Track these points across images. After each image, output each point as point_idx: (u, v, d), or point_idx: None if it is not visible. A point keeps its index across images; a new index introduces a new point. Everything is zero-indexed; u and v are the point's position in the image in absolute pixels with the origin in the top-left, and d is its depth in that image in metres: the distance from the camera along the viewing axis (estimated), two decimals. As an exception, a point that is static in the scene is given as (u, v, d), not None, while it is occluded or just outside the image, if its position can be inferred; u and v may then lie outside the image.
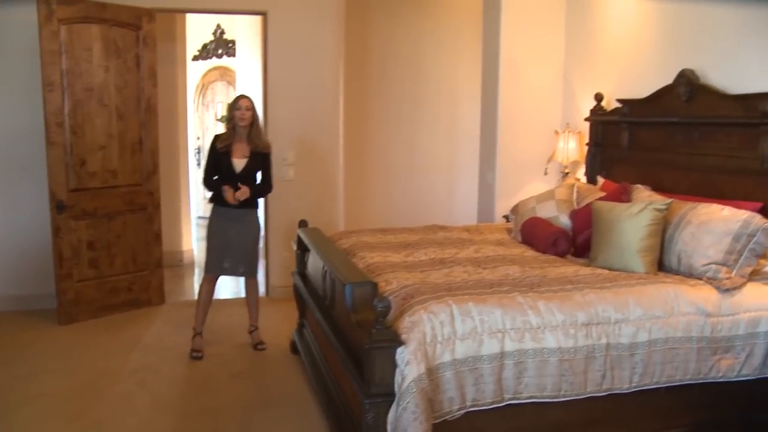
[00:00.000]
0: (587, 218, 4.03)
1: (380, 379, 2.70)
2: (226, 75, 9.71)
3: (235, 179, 4.54)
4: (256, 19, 6.40)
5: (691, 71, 4.17)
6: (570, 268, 3.63)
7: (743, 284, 3.33)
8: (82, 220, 5.25)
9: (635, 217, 3.61)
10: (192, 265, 7.25)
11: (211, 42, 9.70)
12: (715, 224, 3.45)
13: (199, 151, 9.57)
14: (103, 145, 5.34)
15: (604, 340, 3.02)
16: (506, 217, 5.35)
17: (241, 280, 5.12)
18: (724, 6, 4.06)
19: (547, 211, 4.47)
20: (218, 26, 9.53)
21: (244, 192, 4.50)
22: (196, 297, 4.93)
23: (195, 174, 8.38)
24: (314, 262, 4.02)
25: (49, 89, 5.00)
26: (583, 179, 5.38)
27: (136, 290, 5.63)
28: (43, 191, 5.15)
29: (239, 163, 4.56)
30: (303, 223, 4.59)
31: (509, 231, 4.75)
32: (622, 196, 4.18)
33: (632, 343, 3.07)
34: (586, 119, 5.32)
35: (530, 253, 4.07)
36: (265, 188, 4.79)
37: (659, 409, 3.22)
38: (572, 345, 2.97)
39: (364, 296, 2.91)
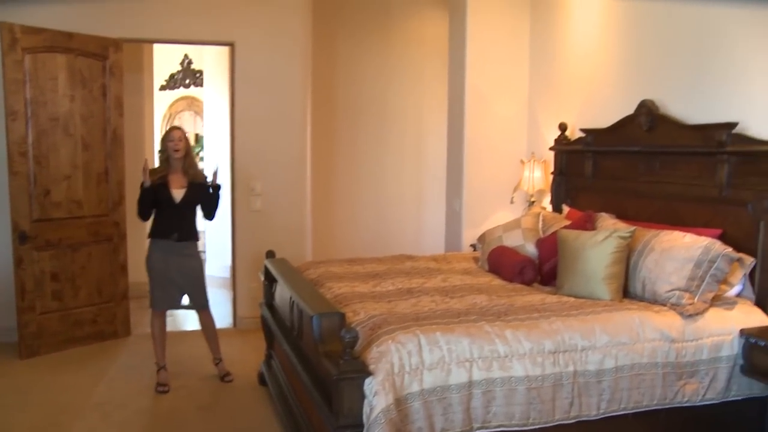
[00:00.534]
0: (553, 247, 4.08)
1: (348, 410, 2.68)
2: (194, 105, 9.68)
3: (175, 209, 4.52)
4: (224, 50, 6.43)
5: (652, 102, 4.27)
6: (537, 297, 3.66)
7: (705, 310, 3.38)
8: (46, 251, 5.16)
9: (600, 245, 3.66)
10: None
11: (179, 72, 9.68)
12: (677, 251, 3.51)
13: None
14: (68, 175, 5.28)
15: (571, 368, 3.04)
16: (473, 246, 5.39)
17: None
18: (682, 38, 4.18)
19: (513, 240, 4.51)
20: (186, 56, 9.52)
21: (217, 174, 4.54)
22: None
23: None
24: (282, 293, 4.00)
25: (12, 118, 4.95)
26: (549, 208, 5.44)
27: (101, 322, 5.54)
28: (5, 221, 5.07)
29: (178, 194, 4.53)
30: (270, 254, 4.57)
31: (476, 260, 4.78)
32: (586, 224, 4.23)
33: (599, 369, 3.09)
34: (551, 148, 5.41)
35: (497, 281, 4.10)
36: (210, 213, 4.69)
37: (627, 435, 3.24)
38: (540, 373, 2.99)
39: (331, 327, 2.90)
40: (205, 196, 4.63)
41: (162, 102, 9.57)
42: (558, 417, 3.03)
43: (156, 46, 7.46)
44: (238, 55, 5.87)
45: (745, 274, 3.58)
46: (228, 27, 5.82)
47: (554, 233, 4.22)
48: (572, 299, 3.58)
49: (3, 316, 5.25)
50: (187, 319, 6.14)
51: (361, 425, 2.67)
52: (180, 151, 4.53)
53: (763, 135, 3.53)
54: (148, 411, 4.24)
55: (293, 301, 3.53)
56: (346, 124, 7.28)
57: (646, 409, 3.20)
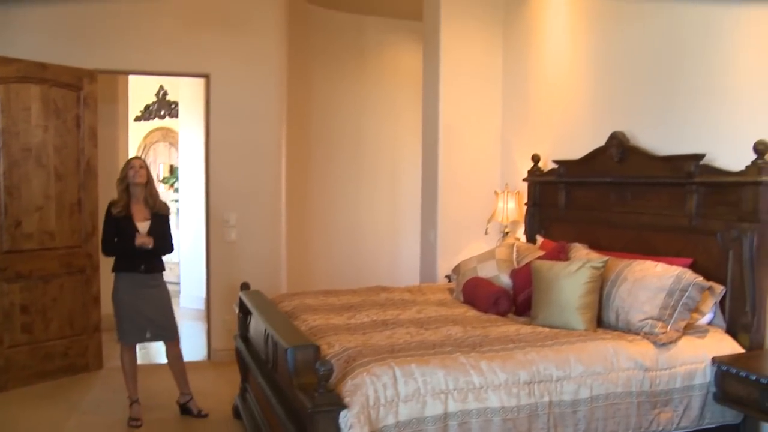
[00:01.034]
0: (527, 277, 4.10)
1: (324, 443, 2.66)
2: (169, 136, 9.66)
3: None
4: (200, 81, 6.45)
5: (622, 133, 4.35)
6: (511, 327, 3.67)
7: (678, 338, 3.41)
8: (16, 282, 5.09)
9: (573, 275, 3.69)
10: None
11: (154, 103, 9.68)
12: (649, 280, 3.55)
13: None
14: (40, 206, 5.22)
15: (546, 398, 3.05)
16: (448, 276, 5.40)
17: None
18: (651, 72, 4.28)
19: (488, 271, 4.53)
20: (161, 87, 9.53)
21: (149, 240, 4.43)
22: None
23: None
24: (256, 326, 3.97)
25: (-16, 149, 4.91)
26: (523, 238, 5.49)
27: (72, 355, 5.44)
28: (-26, 254, 4.99)
29: (143, 226, 4.49)
30: (245, 286, 4.55)
31: (451, 291, 4.78)
32: (560, 254, 4.27)
33: (574, 399, 3.10)
34: (525, 180, 5.46)
35: (472, 312, 4.11)
36: (166, 247, 4.62)
37: (603, 465, 3.24)
38: (515, 404, 2.99)
39: (306, 360, 2.89)
40: (164, 231, 4.59)
41: (137, 133, 9.54)
42: (534, 448, 3.03)
43: (131, 77, 7.46)
44: (213, 87, 5.89)
45: (715, 303, 3.63)
46: (203, 59, 5.84)
47: (528, 264, 4.24)
48: (547, 329, 3.59)
49: (-30, 351, 5.14)
50: (159, 352, 6.04)
51: (336, 459, 2.64)
52: (141, 177, 4.48)
53: (729, 166, 3.61)
54: (120, 447, 4.16)
55: (268, 334, 3.50)
56: (321, 155, 7.31)
57: (622, 438, 3.21)
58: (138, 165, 4.52)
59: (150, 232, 4.49)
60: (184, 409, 4.64)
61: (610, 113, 4.63)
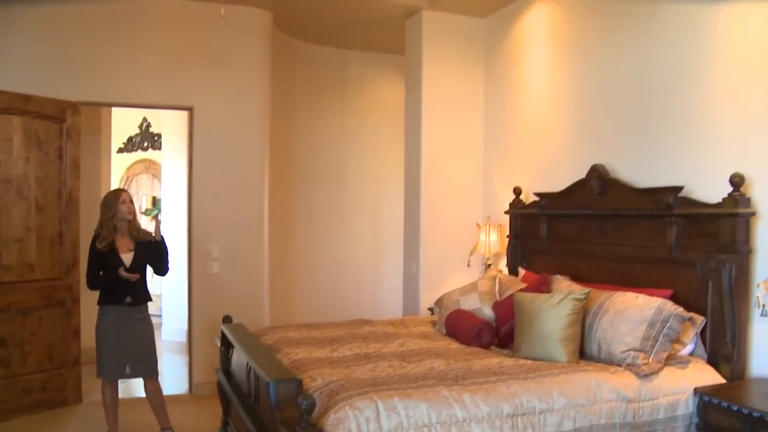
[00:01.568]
0: (510, 309, 4.11)
1: (306, 478, 2.63)
2: (151, 168, 9.65)
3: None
4: (183, 113, 6.47)
5: (602, 166, 4.41)
6: (494, 360, 3.66)
7: (660, 369, 3.43)
8: (-7, 316, 5.02)
9: (556, 307, 3.71)
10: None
11: (137, 135, 9.68)
12: (630, 312, 3.58)
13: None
14: (20, 238, 5.18)
15: (529, 431, 3.04)
16: (431, 309, 5.40)
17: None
18: (629, 106, 4.35)
19: (470, 303, 4.54)
20: (144, 119, 9.54)
21: (132, 276, 4.41)
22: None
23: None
24: (238, 359, 3.93)
25: (-37, 181, 4.87)
26: (505, 270, 5.51)
27: (50, 389, 5.35)
28: (-49, 287, 4.93)
29: (128, 258, 4.48)
30: (227, 319, 4.51)
31: (434, 324, 4.78)
32: (542, 286, 4.29)
33: (557, 432, 3.10)
34: (506, 212, 5.50)
35: (455, 345, 4.10)
36: (161, 269, 4.64)
37: (586, 498, 3.22)
38: (498, 437, 2.98)
39: (288, 393, 2.86)
40: (155, 253, 4.59)
41: (119, 164, 9.54)
42: (517, 482, 3.01)
43: (115, 109, 7.46)
44: (196, 120, 5.91)
45: (696, 333, 3.67)
46: (187, 91, 5.86)
47: (511, 296, 4.25)
48: (529, 362, 3.59)
49: (-55, 386, 5.05)
50: (140, 386, 5.96)
51: (318, 494, 2.61)
52: (132, 212, 4.51)
53: (707, 198, 3.67)
54: (98, 484, 4.09)
55: (250, 367, 3.47)
56: (304, 187, 7.32)
57: (605, 470, 3.20)
58: (129, 200, 4.53)
59: (135, 262, 4.47)
60: None
61: (590, 146, 4.70)
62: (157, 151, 9.31)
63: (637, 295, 3.70)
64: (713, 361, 3.59)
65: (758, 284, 3.44)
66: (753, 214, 3.49)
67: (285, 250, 7.05)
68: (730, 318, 3.50)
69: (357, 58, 7.51)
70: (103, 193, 6.96)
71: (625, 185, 4.24)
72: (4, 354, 5.08)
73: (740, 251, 3.48)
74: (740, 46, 3.63)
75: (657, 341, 3.48)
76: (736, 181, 3.45)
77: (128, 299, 4.44)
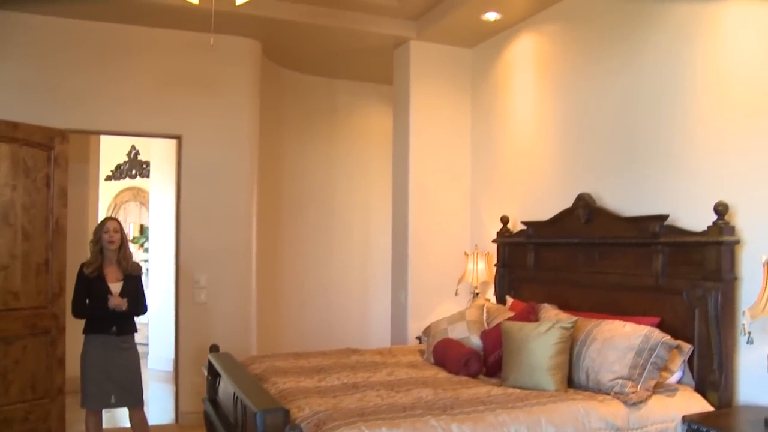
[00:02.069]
0: (497, 338, 4.11)
1: None
2: (139, 195, 9.63)
3: None
4: (171, 141, 6.47)
5: (588, 195, 4.45)
6: (482, 389, 3.65)
7: (648, 397, 3.43)
8: (-24, 344, 4.95)
9: (543, 335, 3.71)
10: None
11: (125, 162, 9.68)
12: (618, 340, 3.58)
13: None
14: (5, 266, 5.12)
15: (518, 461, 3.03)
16: (419, 338, 5.39)
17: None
18: (615, 135, 4.41)
19: (458, 332, 4.53)
20: (133, 147, 9.55)
21: (122, 302, 4.38)
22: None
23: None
24: (225, 389, 3.91)
25: (-52, 208, 4.84)
26: (493, 299, 5.51)
27: (33, 420, 5.25)
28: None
29: (115, 287, 4.46)
30: (214, 348, 4.49)
31: (422, 353, 4.76)
32: (530, 315, 4.30)
33: (546, 462, 3.08)
34: (494, 241, 5.52)
35: (443, 374, 4.08)
36: (139, 308, 4.61)
37: None
38: (487, 467, 2.96)
39: (275, 424, 2.84)
40: (138, 292, 4.57)
41: (107, 192, 9.51)
42: None
43: (103, 137, 7.46)
44: (185, 148, 5.91)
45: (684, 361, 3.67)
46: (175, 120, 5.87)
47: (498, 325, 4.25)
48: (518, 391, 3.58)
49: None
50: (125, 416, 5.88)
51: None
52: (115, 242, 4.48)
53: (692, 226, 3.71)
54: None
55: (237, 397, 3.45)
56: (292, 215, 7.32)
57: (594, 500, 3.19)
58: (113, 228, 4.51)
59: (122, 294, 4.45)
60: None
61: (576, 175, 4.74)
62: (145, 178, 9.29)
63: (625, 323, 3.71)
64: (701, 389, 3.59)
65: (744, 312, 3.45)
66: (737, 242, 3.53)
67: (273, 278, 7.02)
68: (717, 346, 3.52)
69: (345, 88, 7.57)
70: (91, 221, 6.99)
71: (611, 214, 4.28)
72: (-14, 384, 5.01)
73: (726, 279, 3.51)
74: (722, 77, 3.69)
75: (645, 369, 3.48)
76: (721, 209, 3.49)
77: (113, 329, 4.41)
